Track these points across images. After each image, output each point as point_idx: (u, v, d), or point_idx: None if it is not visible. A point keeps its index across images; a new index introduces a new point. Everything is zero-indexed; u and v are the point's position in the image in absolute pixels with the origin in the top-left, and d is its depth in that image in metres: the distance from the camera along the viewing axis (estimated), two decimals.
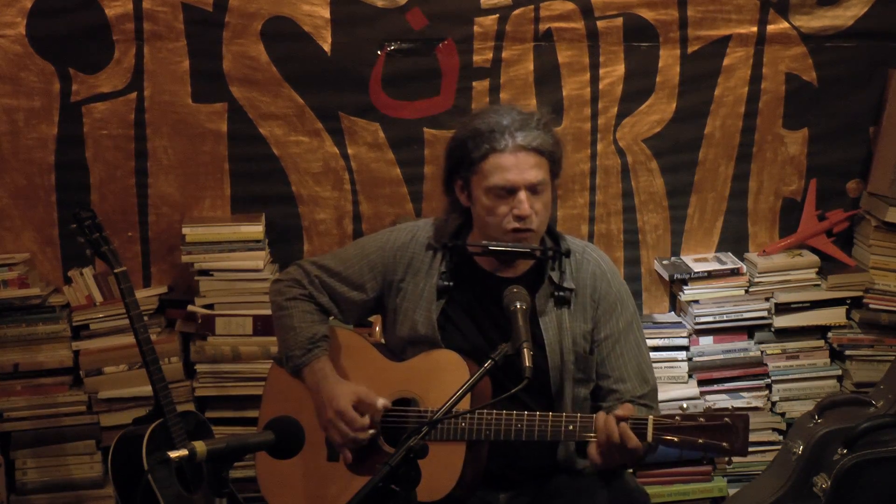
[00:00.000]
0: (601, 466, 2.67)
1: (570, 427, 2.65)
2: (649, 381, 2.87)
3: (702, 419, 2.53)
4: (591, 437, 2.62)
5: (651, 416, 2.57)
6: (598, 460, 2.64)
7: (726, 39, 4.03)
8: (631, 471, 3.91)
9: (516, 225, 2.76)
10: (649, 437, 2.56)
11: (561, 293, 2.84)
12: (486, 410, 2.68)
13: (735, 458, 3.88)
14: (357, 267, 2.95)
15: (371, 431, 2.78)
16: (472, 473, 2.72)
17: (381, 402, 2.78)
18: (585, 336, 2.86)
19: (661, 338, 4.01)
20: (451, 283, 2.88)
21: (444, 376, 2.76)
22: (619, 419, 2.59)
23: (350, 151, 4.01)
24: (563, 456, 2.86)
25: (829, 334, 4.07)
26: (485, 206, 2.79)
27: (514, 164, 2.75)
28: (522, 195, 2.75)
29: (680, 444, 2.54)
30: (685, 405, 2.59)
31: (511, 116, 2.78)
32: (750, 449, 3.99)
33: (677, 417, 2.55)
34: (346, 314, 3.00)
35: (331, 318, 3.00)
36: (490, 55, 3.97)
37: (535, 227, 2.78)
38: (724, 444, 2.52)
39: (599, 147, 4.07)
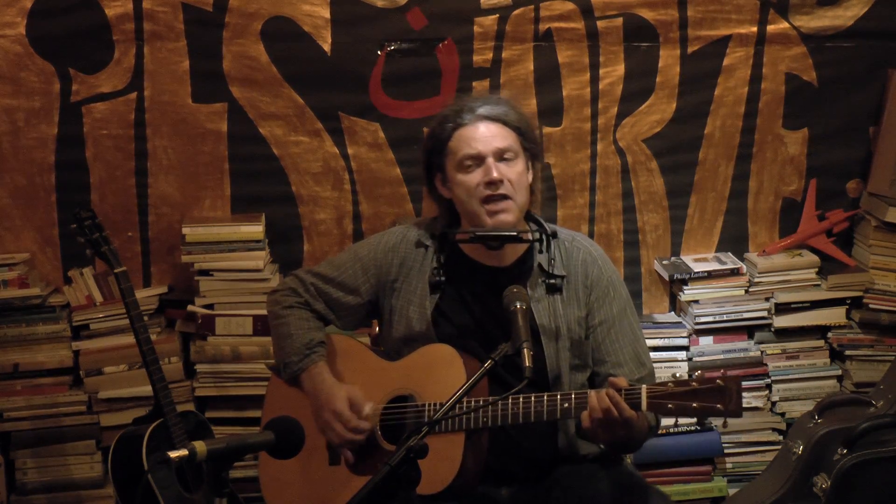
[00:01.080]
0: (600, 441, 2.66)
1: (566, 405, 2.65)
2: (646, 364, 2.88)
3: (694, 383, 2.54)
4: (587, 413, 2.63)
5: (644, 386, 2.57)
6: (596, 435, 2.64)
7: (726, 39, 4.03)
8: (630, 460, 3.94)
9: (489, 192, 2.78)
10: (643, 406, 2.55)
11: (552, 280, 2.85)
12: (481, 397, 2.68)
13: (734, 450, 3.94)
14: (351, 271, 2.96)
15: (364, 434, 2.79)
16: (472, 463, 2.72)
17: (368, 408, 2.80)
18: (580, 322, 2.86)
19: (661, 338, 4.01)
20: (443, 278, 2.88)
21: (439, 370, 2.77)
22: (612, 387, 2.59)
23: (350, 151, 4.01)
24: (564, 443, 2.86)
25: (829, 334, 4.07)
26: (459, 183, 2.82)
27: (479, 134, 2.81)
28: (490, 161, 2.79)
29: (675, 410, 2.54)
30: (678, 373, 2.59)
31: (473, 97, 2.91)
32: (750, 449, 4.05)
33: (670, 384, 2.55)
34: (344, 319, 3.01)
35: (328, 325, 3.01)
36: (490, 55, 3.97)
37: (509, 193, 2.79)
38: (719, 405, 2.52)
39: (599, 147, 4.07)
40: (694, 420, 2.57)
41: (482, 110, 2.82)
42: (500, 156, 2.80)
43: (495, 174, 2.77)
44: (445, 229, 2.92)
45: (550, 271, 2.86)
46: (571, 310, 2.86)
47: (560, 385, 2.84)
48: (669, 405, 2.54)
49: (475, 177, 2.80)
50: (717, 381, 2.52)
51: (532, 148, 2.88)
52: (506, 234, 2.80)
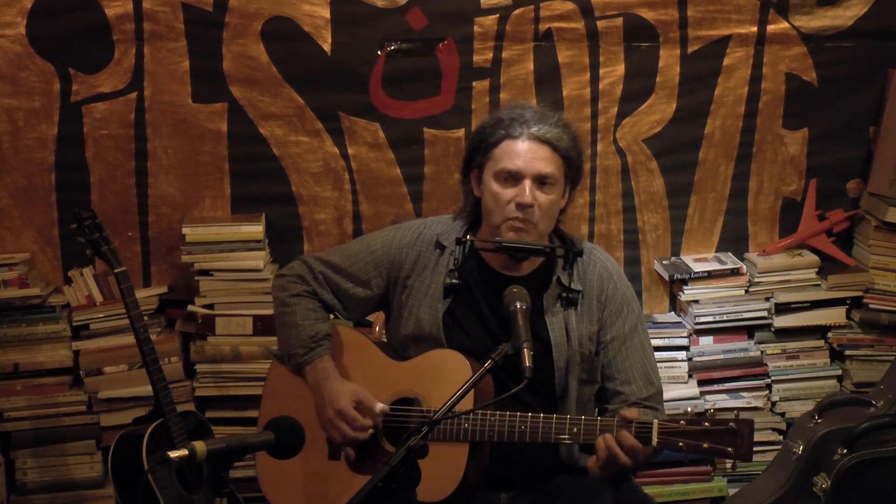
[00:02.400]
0: (603, 476, 2.67)
1: (575, 430, 2.65)
2: (654, 383, 2.87)
3: (707, 423, 2.54)
4: (593, 440, 2.63)
5: (656, 421, 2.57)
6: (600, 474, 2.64)
7: (726, 39, 4.03)
8: None
9: (517, 213, 2.76)
10: (654, 442, 2.56)
11: (569, 294, 2.84)
12: (489, 411, 2.68)
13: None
14: (362, 263, 2.95)
15: (370, 431, 2.78)
16: (474, 474, 2.72)
17: (380, 406, 2.79)
18: (591, 337, 2.86)
19: (661, 338, 4.01)
20: (458, 282, 2.87)
21: (446, 376, 2.76)
22: (623, 420, 2.59)
23: (350, 151, 4.01)
24: (565, 454, 2.86)
25: (829, 334, 4.08)
26: (491, 192, 2.80)
27: (525, 152, 2.77)
28: (527, 184, 2.76)
29: (685, 448, 2.54)
30: (690, 408, 2.59)
31: (533, 110, 2.83)
32: None
33: (682, 422, 2.55)
34: (350, 311, 3.00)
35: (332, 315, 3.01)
36: (490, 55, 3.97)
37: (535, 220, 2.78)
38: (729, 448, 2.53)
39: (599, 147, 4.07)
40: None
41: (536, 129, 2.77)
42: (540, 180, 2.77)
43: (528, 198, 2.75)
44: (471, 236, 2.89)
45: (568, 285, 2.85)
46: (584, 325, 2.86)
47: (567, 398, 2.84)
48: (680, 443, 2.55)
49: (508, 192, 2.77)
50: (730, 423, 2.53)
51: (574, 177, 2.85)
52: (534, 247, 2.79)
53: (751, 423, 2.54)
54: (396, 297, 2.94)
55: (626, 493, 2.87)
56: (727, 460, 3.95)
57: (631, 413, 2.62)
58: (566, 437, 2.66)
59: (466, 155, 2.90)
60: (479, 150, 2.84)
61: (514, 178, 2.77)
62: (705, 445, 2.53)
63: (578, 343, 2.83)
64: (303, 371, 2.89)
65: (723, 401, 3.98)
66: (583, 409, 2.86)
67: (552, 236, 2.91)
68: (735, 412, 2.56)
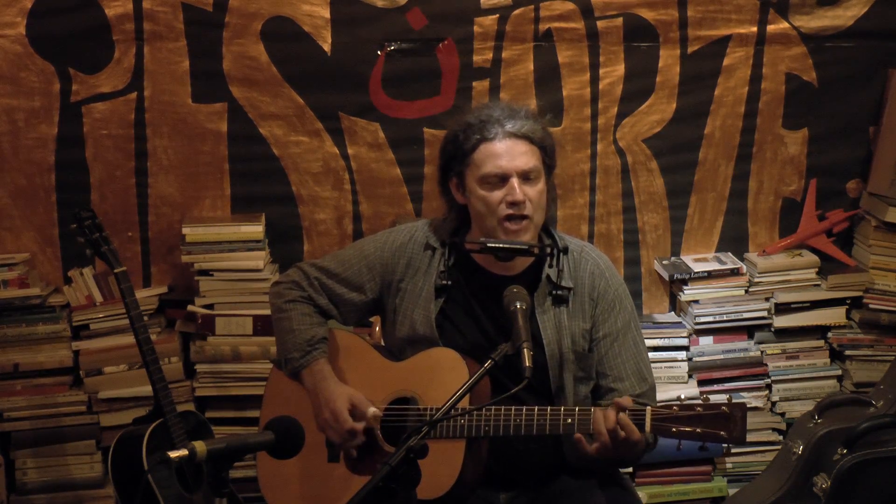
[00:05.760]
0: (601, 458, 2.67)
1: (569, 420, 2.65)
2: (647, 379, 2.87)
3: (699, 409, 2.54)
4: (590, 429, 2.63)
5: (649, 407, 2.58)
6: (597, 453, 2.63)
7: (726, 39, 4.03)
8: (630, 470, 3.93)
9: (510, 211, 2.77)
10: (647, 428, 2.56)
11: (559, 292, 2.85)
12: (484, 406, 2.68)
13: (734, 450, 3.94)
14: (356, 268, 2.96)
15: (362, 437, 2.79)
16: (472, 470, 2.72)
17: (372, 411, 2.80)
18: (584, 335, 2.86)
19: (661, 338, 4.01)
20: (450, 283, 2.88)
21: (442, 375, 2.77)
22: (619, 410, 2.59)
23: (350, 151, 4.01)
24: (569, 454, 2.85)
25: (829, 334, 4.08)
26: (479, 197, 2.80)
27: (505, 151, 2.78)
28: (514, 181, 2.77)
29: (678, 434, 2.54)
30: (682, 395, 2.59)
31: (500, 108, 2.83)
32: (750, 449, 4.05)
33: (675, 408, 2.55)
34: (346, 315, 3.01)
35: (330, 319, 3.01)
36: (490, 55, 3.97)
37: (529, 213, 2.78)
38: (723, 432, 2.53)
39: (599, 147, 4.07)
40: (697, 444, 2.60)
41: (510, 126, 2.78)
42: (525, 176, 2.78)
43: (519, 195, 2.76)
44: (455, 238, 2.90)
45: (558, 283, 2.86)
46: (576, 322, 2.86)
47: (563, 396, 2.84)
48: (673, 429, 2.55)
49: (497, 194, 2.78)
50: (723, 407, 2.53)
51: (551, 163, 2.86)
52: (515, 246, 2.79)
53: (743, 407, 2.54)
54: (390, 301, 2.95)
55: (623, 497, 2.86)
56: (727, 458, 4.00)
57: (626, 401, 2.62)
58: (561, 428, 2.66)
59: (442, 164, 2.88)
60: (456, 158, 2.83)
61: (500, 179, 2.78)
62: (699, 430, 2.53)
63: (571, 341, 2.84)
64: (300, 375, 2.90)
65: None
66: (580, 406, 2.85)
67: (540, 234, 2.91)
68: (728, 396, 2.56)
